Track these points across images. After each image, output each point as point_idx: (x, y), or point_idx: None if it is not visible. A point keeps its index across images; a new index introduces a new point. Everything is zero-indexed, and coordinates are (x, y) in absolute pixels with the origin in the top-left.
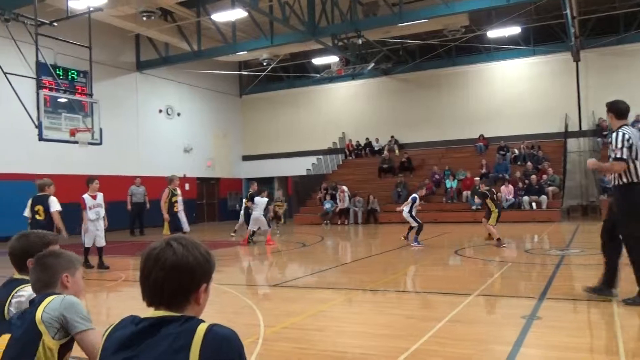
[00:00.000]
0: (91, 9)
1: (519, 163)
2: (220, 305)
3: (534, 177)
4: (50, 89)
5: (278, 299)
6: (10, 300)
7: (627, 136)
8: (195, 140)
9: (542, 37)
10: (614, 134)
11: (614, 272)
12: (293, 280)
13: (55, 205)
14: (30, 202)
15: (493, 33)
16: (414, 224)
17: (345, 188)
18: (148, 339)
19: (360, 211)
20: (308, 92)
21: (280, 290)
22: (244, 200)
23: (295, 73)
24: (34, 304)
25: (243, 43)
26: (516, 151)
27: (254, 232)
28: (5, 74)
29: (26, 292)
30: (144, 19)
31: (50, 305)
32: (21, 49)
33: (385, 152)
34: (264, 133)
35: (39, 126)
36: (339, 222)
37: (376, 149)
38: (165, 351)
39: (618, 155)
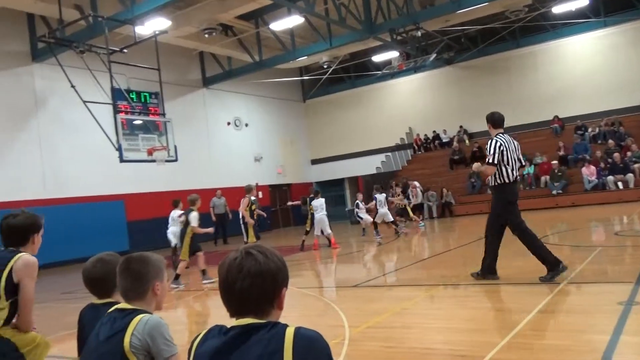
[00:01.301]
0: (157, 32)
1: (599, 142)
2: (302, 308)
3: (617, 155)
4: (126, 113)
5: (359, 299)
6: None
7: (499, 143)
8: (264, 148)
9: (612, 6)
10: (489, 142)
11: (494, 258)
12: (373, 279)
13: (193, 221)
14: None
15: (559, 8)
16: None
17: (416, 183)
18: (239, 347)
19: (435, 205)
20: (371, 90)
21: (360, 290)
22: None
23: (357, 72)
24: (119, 328)
25: (302, 48)
26: (596, 129)
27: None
28: (84, 102)
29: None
30: (206, 36)
31: (136, 330)
32: (97, 77)
33: (455, 143)
34: (330, 135)
35: (119, 149)
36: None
37: (445, 140)
38: (258, 357)
39: (490, 160)
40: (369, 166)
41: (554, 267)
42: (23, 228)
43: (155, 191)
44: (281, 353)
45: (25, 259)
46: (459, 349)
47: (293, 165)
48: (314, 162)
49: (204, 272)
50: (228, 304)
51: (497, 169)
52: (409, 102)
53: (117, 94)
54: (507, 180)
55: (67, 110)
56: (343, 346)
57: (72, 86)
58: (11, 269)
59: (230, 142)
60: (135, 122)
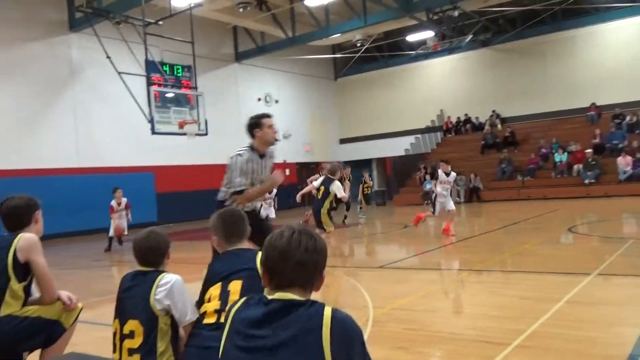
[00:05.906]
0: (192, 5)
1: (637, 131)
2: (326, 287)
3: None
4: (159, 85)
5: (384, 280)
6: (155, 291)
7: None
8: (293, 125)
9: None
10: None
11: None
12: (398, 261)
13: (340, 191)
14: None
15: None
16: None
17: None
18: (280, 320)
19: (463, 189)
20: (403, 70)
21: (385, 272)
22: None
23: (390, 52)
24: None
25: (336, 25)
26: (634, 118)
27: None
28: (119, 73)
29: (168, 279)
30: (241, 10)
31: None
32: (132, 49)
33: (487, 127)
34: (361, 115)
35: (151, 121)
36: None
37: (476, 124)
38: (298, 331)
39: None
40: (397, 147)
41: None
42: (22, 208)
43: (185, 164)
44: (319, 332)
45: (25, 237)
46: (485, 335)
47: (321, 144)
48: (343, 141)
49: None
50: (278, 275)
51: None
52: (442, 83)
53: (150, 67)
54: None
55: (101, 80)
56: (367, 327)
57: (108, 57)
58: (15, 249)
59: None
60: (167, 95)
